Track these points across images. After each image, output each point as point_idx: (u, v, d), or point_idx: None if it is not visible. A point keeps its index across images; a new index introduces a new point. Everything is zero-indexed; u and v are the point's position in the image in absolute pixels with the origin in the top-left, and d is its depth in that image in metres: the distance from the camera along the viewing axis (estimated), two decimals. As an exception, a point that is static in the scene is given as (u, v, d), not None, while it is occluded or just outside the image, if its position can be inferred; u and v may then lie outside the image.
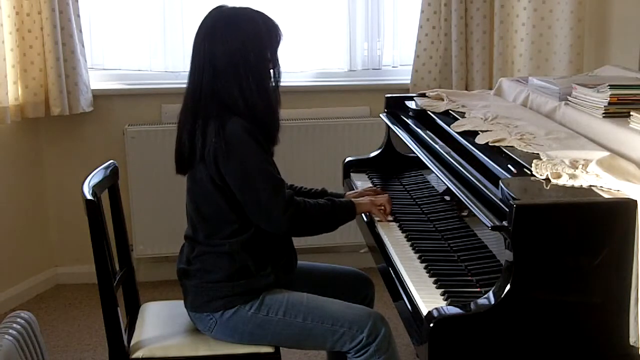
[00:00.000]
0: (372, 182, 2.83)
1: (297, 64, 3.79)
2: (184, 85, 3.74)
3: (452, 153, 2.24)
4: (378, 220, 2.41)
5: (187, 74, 3.74)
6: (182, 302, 2.29)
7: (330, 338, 2.18)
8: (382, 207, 2.40)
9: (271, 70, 2.22)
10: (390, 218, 2.41)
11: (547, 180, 1.83)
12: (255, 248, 2.20)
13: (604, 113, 2.16)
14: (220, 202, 2.18)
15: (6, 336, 1.95)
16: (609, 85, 2.16)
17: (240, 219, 2.19)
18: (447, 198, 2.33)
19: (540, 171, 1.86)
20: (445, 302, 1.86)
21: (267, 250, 2.22)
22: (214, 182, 2.16)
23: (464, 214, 2.18)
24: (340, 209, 2.29)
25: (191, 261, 2.25)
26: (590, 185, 1.79)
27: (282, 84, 2.26)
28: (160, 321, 2.35)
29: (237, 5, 2.24)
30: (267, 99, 2.21)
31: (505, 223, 1.71)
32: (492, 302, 1.71)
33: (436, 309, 1.74)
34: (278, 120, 2.26)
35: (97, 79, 3.75)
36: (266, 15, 2.23)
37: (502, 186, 1.79)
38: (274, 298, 2.19)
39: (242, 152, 2.12)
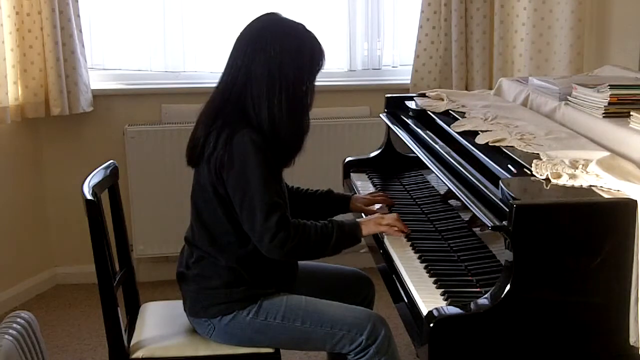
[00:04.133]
0: (372, 182, 2.83)
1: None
2: (184, 85, 3.81)
3: (452, 153, 2.24)
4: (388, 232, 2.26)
5: (186, 74, 3.81)
6: (182, 302, 2.29)
7: (330, 341, 2.17)
8: (390, 225, 2.23)
9: (306, 94, 2.17)
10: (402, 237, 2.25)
11: (547, 180, 1.83)
12: (255, 264, 2.17)
13: (604, 113, 2.16)
14: (219, 210, 2.15)
15: (6, 336, 1.95)
16: (609, 85, 2.15)
17: (237, 232, 2.15)
18: (465, 218, 2.32)
19: (540, 171, 1.86)
20: (445, 302, 1.86)
21: (268, 267, 2.19)
22: (216, 189, 2.13)
23: (466, 217, 2.18)
24: (342, 234, 2.15)
25: (190, 266, 2.24)
26: (590, 185, 1.79)
27: None
28: (160, 321, 2.35)
29: (291, 18, 2.19)
30: (295, 120, 2.15)
31: (505, 223, 1.71)
32: (492, 302, 1.71)
33: (436, 309, 1.74)
34: (302, 144, 2.20)
35: (97, 79, 3.75)
36: (316, 39, 2.17)
37: (502, 186, 1.79)
38: (272, 302, 2.18)
39: (244, 166, 2.07)
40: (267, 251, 2.10)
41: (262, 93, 2.11)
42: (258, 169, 2.07)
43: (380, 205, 2.49)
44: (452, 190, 2.07)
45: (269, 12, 2.22)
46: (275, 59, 2.10)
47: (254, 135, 2.09)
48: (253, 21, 2.20)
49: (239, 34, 2.20)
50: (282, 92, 2.11)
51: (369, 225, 2.22)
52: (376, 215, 2.30)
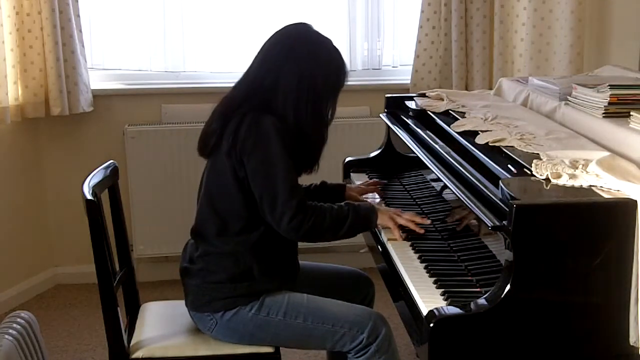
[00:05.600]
0: (372, 182, 2.83)
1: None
2: (184, 85, 3.81)
3: (452, 153, 2.24)
4: (390, 239, 2.24)
5: (186, 74, 3.81)
6: (182, 302, 2.29)
7: (331, 339, 2.18)
8: (404, 223, 2.23)
9: (327, 108, 2.24)
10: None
11: (547, 180, 1.83)
12: (261, 252, 2.19)
13: (604, 113, 2.16)
14: (236, 194, 2.16)
15: (6, 336, 1.95)
16: (609, 85, 2.16)
17: (250, 216, 2.17)
18: (473, 224, 2.32)
19: (540, 171, 1.86)
20: (445, 302, 1.86)
21: (273, 256, 2.21)
22: (235, 173, 2.15)
23: (472, 221, 2.18)
24: (357, 217, 2.19)
25: (194, 260, 2.25)
26: (590, 185, 1.79)
27: None
28: (160, 321, 2.35)
29: (321, 32, 2.25)
30: (319, 131, 2.22)
31: (505, 223, 1.71)
32: (492, 302, 1.71)
33: (436, 309, 1.74)
34: (320, 151, 2.25)
35: (97, 79, 3.76)
36: (341, 57, 2.25)
37: (502, 186, 1.79)
38: (274, 299, 2.19)
39: (268, 150, 2.10)
40: (285, 231, 2.13)
41: (288, 102, 2.15)
42: (282, 154, 2.11)
43: (373, 194, 2.53)
44: (452, 191, 2.07)
45: (301, 22, 2.26)
46: (306, 69, 2.16)
47: (278, 123, 2.13)
48: (284, 29, 2.24)
49: (267, 40, 2.24)
50: (309, 104, 2.17)
51: (384, 215, 2.24)
52: (395, 210, 2.30)
